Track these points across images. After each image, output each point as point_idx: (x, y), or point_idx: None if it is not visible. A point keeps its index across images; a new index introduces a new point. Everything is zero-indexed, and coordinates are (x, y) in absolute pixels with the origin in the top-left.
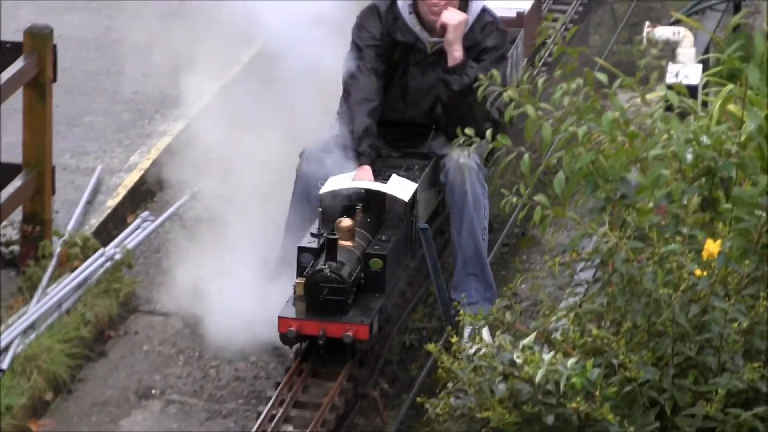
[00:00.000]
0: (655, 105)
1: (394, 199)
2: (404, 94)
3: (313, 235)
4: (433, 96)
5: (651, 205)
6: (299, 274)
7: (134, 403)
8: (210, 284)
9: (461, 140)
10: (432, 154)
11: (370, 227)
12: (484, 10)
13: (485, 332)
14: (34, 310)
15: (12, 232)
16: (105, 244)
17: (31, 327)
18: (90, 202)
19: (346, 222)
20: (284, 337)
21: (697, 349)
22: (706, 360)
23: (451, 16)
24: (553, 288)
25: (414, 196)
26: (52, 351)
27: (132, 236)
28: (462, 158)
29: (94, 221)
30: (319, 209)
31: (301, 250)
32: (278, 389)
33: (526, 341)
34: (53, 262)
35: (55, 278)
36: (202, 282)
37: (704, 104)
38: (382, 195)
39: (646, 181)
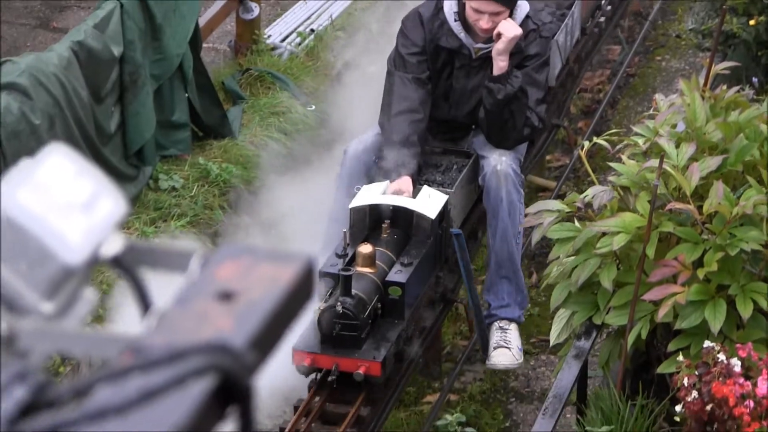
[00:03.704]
0: None
1: (421, 216)
2: (448, 95)
3: (337, 255)
4: (477, 98)
5: None
6: (321, 299)
7: None
8: None
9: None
10: (473, 152)
11: (396, 244)
12: (528, 17)
13: (515, 334)
14: None
15: None
16: None
17: None
18: None
19: (366, 248)
20: (298, 368)
21: None
22: None
23: (509, 29)
24: None
25: (445, 206)
26: None
27: None
28: (499, 165)
29: None
30: (344, 230)
31: (323, 274)
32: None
33: None
34: None
35: None
36: None
37: None
38: (410, 209)
39: None
